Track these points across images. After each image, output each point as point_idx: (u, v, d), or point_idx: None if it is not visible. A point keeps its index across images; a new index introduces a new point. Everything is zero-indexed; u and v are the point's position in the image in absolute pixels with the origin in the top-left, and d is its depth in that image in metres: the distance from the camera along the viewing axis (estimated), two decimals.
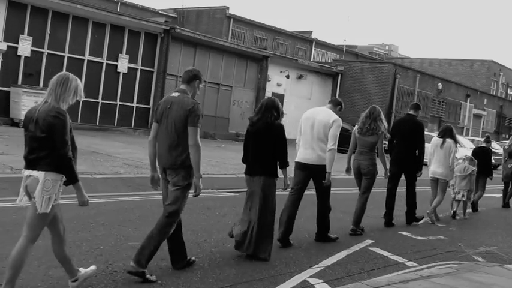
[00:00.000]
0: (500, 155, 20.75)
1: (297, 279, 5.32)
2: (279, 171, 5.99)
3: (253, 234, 5.80)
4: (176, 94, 5.04)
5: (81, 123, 19.36)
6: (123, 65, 21.45)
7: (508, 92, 52.82)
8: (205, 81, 24.45)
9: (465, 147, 22.73)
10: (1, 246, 5.31)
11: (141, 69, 22.22)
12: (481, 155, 11.84)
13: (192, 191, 4.97)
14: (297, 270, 5.60)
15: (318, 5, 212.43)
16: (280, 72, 28.70)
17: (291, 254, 6.24)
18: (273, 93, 28.13)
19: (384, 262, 6.40)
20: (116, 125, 21.26)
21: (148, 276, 4.74)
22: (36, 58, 18.98)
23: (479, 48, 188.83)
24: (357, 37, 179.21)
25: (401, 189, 9.19)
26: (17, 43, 18.36)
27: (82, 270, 4.40)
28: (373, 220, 8.79)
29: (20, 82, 18.32)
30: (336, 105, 7.20)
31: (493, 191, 13.54)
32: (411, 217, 9.17)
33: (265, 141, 5.88)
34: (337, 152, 6.92)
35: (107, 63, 20.98)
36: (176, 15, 39.79)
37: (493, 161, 12.73)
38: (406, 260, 6.57)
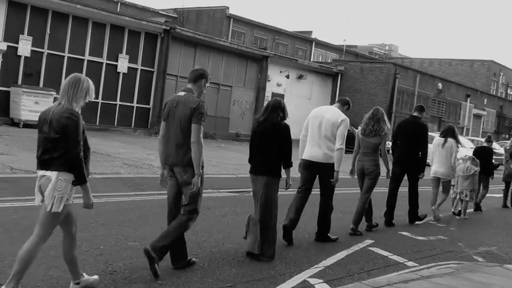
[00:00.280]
0: (500, 155, 20.78)
1: (297, 279, 5.32)
2: (283, 171, 6.02)
3: (261, 236, 5.83)
4: (182, 93, 5.13)
5: None
6: (123, 65, 21.45)
7: (508, 92, 52.83)
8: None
9: (465, 147, 22.70)
10: (1, 246, 5.32)
11: (141, 69, 22.21)
12: (483, 155, 11.87)
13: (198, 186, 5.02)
14: (297, 270, 5.60)
15: (318, 5, 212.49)
16: (280, 72, 28.70)
17: (291, 254, 6.24)
18: (273, 93, 28.14)
19: (384, 262, 6.40)
20: (115, 125, 21.26)
21: (156, 266, 4.85)
22: (36, 58, 18.98)
23: (479, 48, 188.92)
24: (357, 37, 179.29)
25: (403, 189, 9.23)
26: (17, 43, 18.36)
27: (86, 276, 4.42)
28: (373, 220, 8.78)
29: (20, 82, 18.32)
30: (343, 104, 7.28)
31: (494, 191, 13.54)
32: (414, 216, 9.20)
33: (270, 141, 5.94)
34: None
35: (107, 63, 20.97)
36: (176, 15, 39.78)
37: (493, 161, 12.74)
38: (406, 260, 6.57)
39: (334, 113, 7.01)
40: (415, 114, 9.40)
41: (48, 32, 19.19)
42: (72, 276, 4.33)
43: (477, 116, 40.56)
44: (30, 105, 17.57)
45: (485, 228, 9.79)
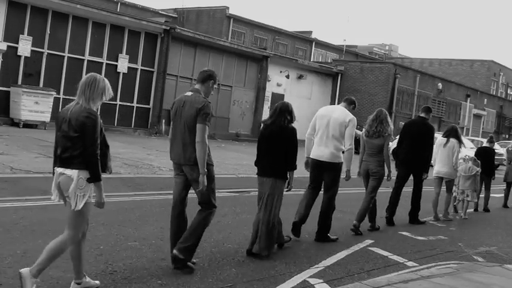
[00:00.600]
0: (500, 155, 20.79)
1: (297, 279, 5.32)
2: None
3: (261, 233, 5.90)
4: (190, 93, 5.22)
5: None
6: (123, 65, 21.45)
7: (508, 92, 52.81)
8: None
9: (465, 147, 22.71)
10: (1, 246, 5.31)
11: (141, 69, 22.21)
12: (484, 156, 11.95)
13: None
14: (297, 270, 5.60)
15: (318, 5, 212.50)
16: (280, 72, 28.70)
17: (291, 254, 6.24)
18: (273, 93, 28.17)
19: (384, 262, 6.40)
20: (115, 125, 21.26)
21: (190, 263, 5.13)
22: (36, 58, 18.97)
23: (479, 48, 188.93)
24: (357, 37, 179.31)
25: (407, 189, 9.30)
26: (17, 43, 18.35)
27: (88, 278, 4.42)
28: (376, 223, 8.78)
29: (20, 82, 18.31)
30: (350, 103, 7.40)
31: (494, 191, 13.53)
32: (414, 218, 9.23)
33: (277, 144, 6.01)
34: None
35: (107, 63, 20.97)
36: (176, 15, 39.77)
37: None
38: (406, 260, 6.57)
39: (341, 113, 7.14)
40: (422, 115, 9.47)
41: (48, 32, 19.19)
42: (75, 276, 4.34)
43: (477, 116, 40.55)
44: (30, 105, 17.57)
45: (485, 228, 9.80)
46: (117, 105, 21.41)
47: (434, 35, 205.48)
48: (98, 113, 4.22)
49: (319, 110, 7.49)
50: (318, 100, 29.93)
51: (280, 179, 6.01)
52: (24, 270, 4.05)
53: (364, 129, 8.30)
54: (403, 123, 26.32)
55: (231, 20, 36.72)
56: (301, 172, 7.03)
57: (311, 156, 7.14)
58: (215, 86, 5.37)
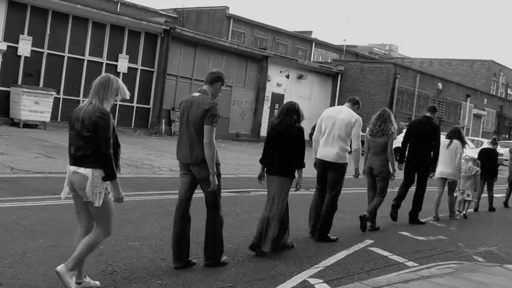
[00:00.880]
0: (501, 154, 20.78)
1: (297, 279, 5.32)
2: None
3: (268, 231, 5.98)
4: (197, 94, 5.29)
5: None
6: (123, 65, 21.44)
7: (508, 92, 52.81)
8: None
9: (469, 146, 22.72)
10: (1, 246, 5.31)
11: (141, 69, 22.21)
12: (488, 157, 12.02)
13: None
14: (297, 270, 5.60)
15: (318, 5, 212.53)
16: (280, 72, 28.69)
17: (291, 254, 6.23)
18: (273, 93, 28.16)
19: (384, 262, 6.40)
20: (115, 125, 21.15)
21: (223, 259, 5.43)
22: (36, 58, 18.97)
23: (479, 48, 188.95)
24: (357, 37, 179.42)
25: (410, 189, 9.38)
26: (17, 43, 18.35)
27: (88, 278, 4.43)
28: (376, 223, 8.78)
29: (20, 82, 18.31)
30: (354, 103, 7.51)
31: (495, 191, 13.54)
32: (414, 218, 9.26)
33: (284, 143, 6.09)
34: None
35: (107, 63, 20.95)
36: (176, 15, 39.76)
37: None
38: (406, 260, 6.56)
39: (347, 113, 7.26)
40: (428, 114, 9.56)
41: (48, 32, 19.18)
42: (76, 276, 4.32)
43: (477, 116, 40.54)
44: (30, 105, 17.57)
45: (485, 228, 9.80)
46: (117, 105, 21.37)
47: (434, 35, 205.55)
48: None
49: (324, 111, 7.61)
50: (318, 100, 29.92)
51: (286, 177, 6.09)
52: (60, 267, 4.14)
53: (368, 129, 8.39)
54: (402, 123, 26.46)
55: (231, 20, 36.72)
56: (307, 172, 7.09)
57: (317, 157, 7.27)
58: (223, 87, 5.45)
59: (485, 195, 12.24)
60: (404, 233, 8.34)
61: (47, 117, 18.09)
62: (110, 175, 4.19)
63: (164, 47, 22.47)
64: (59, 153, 12.68)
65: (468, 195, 10.65)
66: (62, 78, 19.67)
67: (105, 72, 21.24)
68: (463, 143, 10.00)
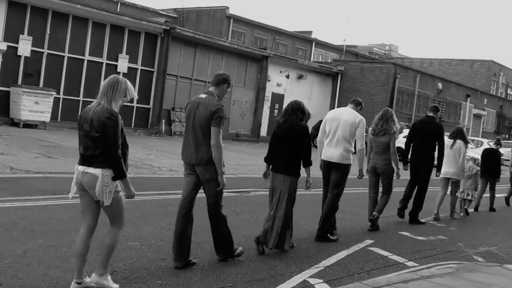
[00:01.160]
0: (501, 155, 20.78)
1: (297, 279, 5.32)
2: (302, 170, 6.25)
3: (277, 229, 6.07)
4: (204, 95, 5.36)
5: None
6: (123, 65, 21.43)
7: (508, 92, 52.80)
8: (205, 81, 24.47)
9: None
10: (1, 246, 5.31)
11: (141, 69, 22.20)
12: (491, 157, 12.07)
13: None
14: (297, 270, 5.60)
15: (318, 5, 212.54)
16: (280, 72, 28.69)
17: (291, 254, 6.23)
18: (273, 93, 28.16)
19: (384, 262, 6.40)
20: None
21: (238, 251, 5.63)
22: (36, 58, 18.96)
23: (479, 48, 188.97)
24: (357, 37, 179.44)
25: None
26: (17, 43, 18.34)
27: (88, 279, 4.43)
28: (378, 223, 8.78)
29: (20, 82, 18.30)
30: (357, 105, 7.63)
31: (496, 190, 13.53)
32: (414, 218, 9.27)
33: (289, 142, 6.17)
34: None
35: (107, 63, 20.95)
36: (176, 15, 39.75)
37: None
38: (406, 260, 6.57)
39: (350, 114, 7.37)
40: (430, 114, 9.64)
41: (48, 32, 19.18)
42: (76, 274, 4.33)
43: (477, 116, 40.54)
44: (30, 105, 17.56)
45: (485, 228, 9.80)
46: None
47: (434, 35, 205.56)
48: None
49: (328, 113, 7.74)
50: (318, 100, 29.91)
51: (292, 176, 6.15)
52: (93, 278, 4.37)
53: (370, 128, 8.47)
54: (402, 123, 26.43)
55: (231, 20, 36.70)
56: (318, 171, 7.20)
57: (322, 158, 7.38)
58: (229, 90, 5.55)
59: (487, 195, 12.25)
60: (404, 233, 8.34)
61: (47, 117, 18.08)
62: (119, 174, 4.26)
63: (164, 47, 22.47)
64: (59, 153, 12.68)
65: (468, 195, 10.72)
66: (62, 78, 19.66)
67: (105, 72, 21.24)
68: (466, 142, 10.09)
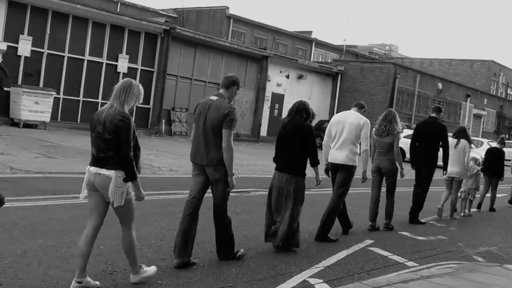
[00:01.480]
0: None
1: (297, 279, 5.32)
2: (307, 170, 6.30)
3: (285, 228, 6.13)
4: (214, 98, 5.44)
5: (81, 123, 19.38)
6: (123, 65, 21.44)
7: (508, 92, 52.80)
8: (205, 82, 24.48)
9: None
10: (1, 246, 5.31)
11: (141, 69, 22.21)
12: (494, 156, 12.10)
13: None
14: (297, 270, 5.60)
15: (318, 5, 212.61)
16: (280, 72, 28.69)
17: (291, 254, 6.23)
18: (273, 93, 28.16)
19: (384, 262, 6.40)
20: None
21: (240, 253, 5.67)
22: (36, 58, 18.97)
23: (479, 48, 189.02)
24: (357, 37, 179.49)
25: (409, 189, 9.43)
26: (17, 43, 18.35)
27: (88, 278, 4.44)
28: (377, 223, 8.77)
29: (20, 82, 18.30)
30: (360, 108, 7.78)
31: (498, 190, 13.53)
32: (414, 218, 9.28)
33: (294, 141, 6.23)
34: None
35: (107, 63, 20.96)
36: (176, 15, 39.76)
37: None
38: (406, 260, 6.57)
39: (355, 116, 7.52)
40: (433, 115, 9.71)
41: (48, 32, 19.18)
42: (77, 273, 4.34)
43: (477, 116, 40.55)
44: (30, 105, 17.56)
45: (485, 228, 9.80)
46: None
47: (434, 35, 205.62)
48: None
49: (333, 117, 7.92)
50: (318, 100, 29.91)
51: (297, 176, 6.20)
52: (131, 278, 4.54)
53: (374, 129, 8.52)
54: (402, 124, 26.47)
55: (231, 20, 36.71)
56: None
57: (329, 160, 7.49)
58: (238, 92, 5.62)
59: (488, 194, 12.26)
60: (404, 233, 8.34)
61: (47, 117, 18.09)
62: (130, 176, 4.35)
63: (164, 47, 22.47)
64: (59, 153, 12.68)
65: (469, 194, 10.75)
66: (62, 78, 19.66)
67: (105, 72, 21.26)
68: (469, 142, 10.18)
